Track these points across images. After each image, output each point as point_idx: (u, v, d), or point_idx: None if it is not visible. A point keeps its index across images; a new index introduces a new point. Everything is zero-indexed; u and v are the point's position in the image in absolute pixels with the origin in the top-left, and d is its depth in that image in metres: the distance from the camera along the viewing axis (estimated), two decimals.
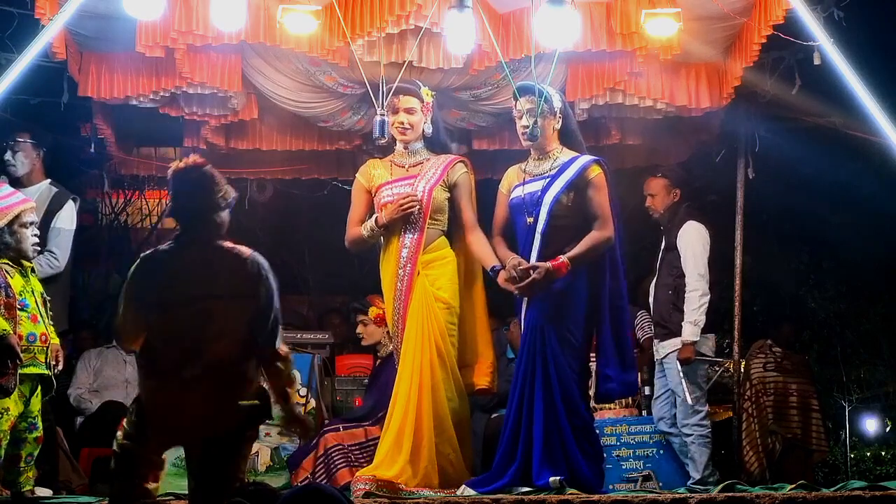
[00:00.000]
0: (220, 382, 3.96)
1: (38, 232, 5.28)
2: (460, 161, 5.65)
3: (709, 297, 6.13)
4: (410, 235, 5.44)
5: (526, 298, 5.33)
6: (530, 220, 5.34)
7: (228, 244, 4.10)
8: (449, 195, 5.53)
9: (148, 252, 4.16)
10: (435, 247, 5.47)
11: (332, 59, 5.91)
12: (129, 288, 4.07)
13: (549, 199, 5.32)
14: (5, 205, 5.24)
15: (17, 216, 5.18)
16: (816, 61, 5.75)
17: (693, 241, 6.18)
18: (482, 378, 5.58)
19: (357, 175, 5.71)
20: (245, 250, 4.08)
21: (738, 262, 6.52)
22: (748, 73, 6.16)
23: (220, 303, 3.97)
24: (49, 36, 5.44)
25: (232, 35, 5.71)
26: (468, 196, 5.58)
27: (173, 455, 5.84)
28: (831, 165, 7.70)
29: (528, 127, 5.36)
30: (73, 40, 5.96)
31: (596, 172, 5.35)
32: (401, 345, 5.41)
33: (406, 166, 5.58)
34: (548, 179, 5.37)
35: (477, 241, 5.51)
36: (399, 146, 5.61)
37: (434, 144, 5.64)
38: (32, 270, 5.25)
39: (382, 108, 5.41)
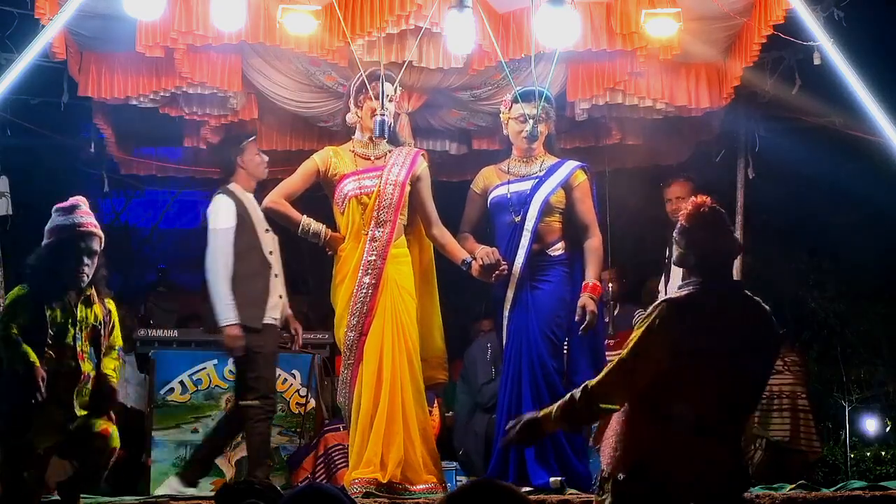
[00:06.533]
0: (728, 439, 3.79)
1: (87, 262, 4.64)
2: (422, 154, 5.63)
3: None
4: (381, 230, 5.34)
5: (510, 301, 5.42)
6: (517, 218, 5.47)
7: (748, 293, 3.88)
8: (410, 189, 5.48)
9: (673, 298, 3.85)
10: (399, 243, 5.41)
11: (332, 59, 5.91)
12: (656, 335, 3.73)
13: (539, 198, 5.47)
14: (49, 226, 4.71)
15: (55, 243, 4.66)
16: (816, 61, 5.76)
17: None
18: (440, 372, 5.59)
19: (314, 156, 5.56)
20: (762, 304, 3.86)
21: (738, 262, 6.51)
22: (748, 73, 6.16)
23: (744, 356, 3.77)
24: (49, 36, 5.44)
25: (232, 35, 5.71)
26: (429, 190, 5.56)
27: (173, 456, 5.87)
28: (831, 165, 7.69)
29: (528, 130, 5.49)
30: (73, 40, 5.96)
31: (581, 179, 5.55)
32: (364, 336, 5.27)
33: (372, 158, 5.49)
34: (536, 180, 5.52)
35: (444, 235, 5.53)
36: (363, 136, 5.52)
37: (392, 137, 5.57)
38: (86, 300, 4.68)
39: (383, 107, 5.39)
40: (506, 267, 5.37)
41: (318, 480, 5.76)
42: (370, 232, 5.34)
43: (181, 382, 5.96)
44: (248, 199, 5.73)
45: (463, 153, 6.99)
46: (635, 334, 3.76)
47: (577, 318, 5.36)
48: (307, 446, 6.04)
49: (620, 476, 3.69)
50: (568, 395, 3.79)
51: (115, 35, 5.86)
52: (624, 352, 3.76)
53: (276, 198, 5.46)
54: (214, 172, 7.41)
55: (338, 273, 5.41)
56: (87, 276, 4.67)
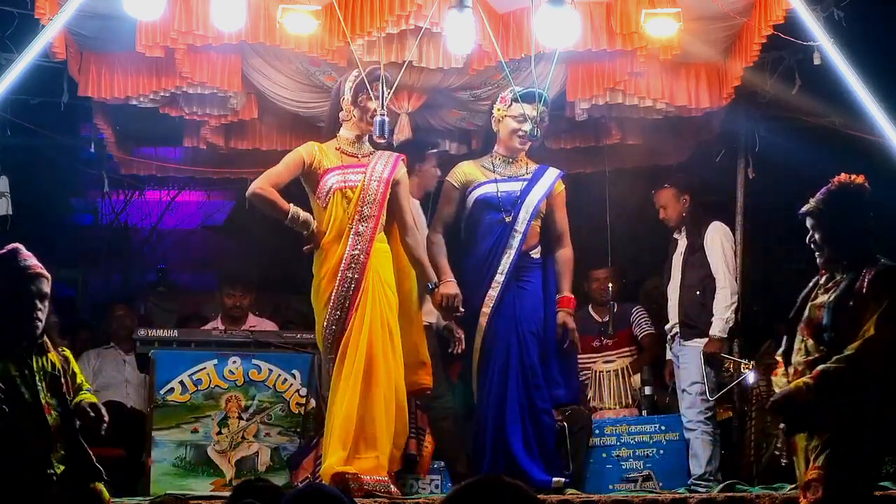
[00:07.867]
0: None
1: (40, 307, 4.33)
2: (402, 159, 5.64)
3: (738, 295, 6.28)
4: (365, 224, 5.35)
5: (493, 300, 5.53)
6: (508, 217, 5.55)
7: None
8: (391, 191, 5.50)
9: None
10: (382, 238, 5.43)
11: (331, 59, 5.91)
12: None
13: (532, 201, 5.61)
14: None
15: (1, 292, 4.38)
16: (816, 61, 5.77)
17: (723, 240, 6.36)
18: (425, 377, 5.58)
19: (300, 148, 5.56)
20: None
21: (738, 262, 6.52)
22: (748, 73, 6.17)
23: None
24: (49, 36, 5.45)
25: (232, 35, 5.72)
26: (407, 196, 5.60)
27: (173, 456, 5.86)
28: (831, 165, 7.64)
29: (526, 131, 5.58)
30: (73, 40, 5.96)
31: (561, 189, 5.75)
32: (345, 331, 5.27)
33: (358, 156, 5.50)
34: (524, 182, 5.64)
35: (417, 246, 5.54)
36: (350, 134, 5.52)
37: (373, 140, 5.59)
38: (40, 349, 4.39)
39: (383, 107, 5.40)
40: (462, 313, 5.45)
41: (317, 481, 5.75)
42: (354, 226, 5.35)
43: (181, 382, 5.94)
44: (415, 206, 5.85)
45: (463, 153, 6.99)
46: (884, 307, 3.79)
47: (558, 335, 5.52)
48: (307, 446, 6.03)
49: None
50: (817, 369, 3.77)
51: (115, 35, 5.86)
52: (881, 324, 3.76)
53: (264, 184, 5.43)
54: (214, 172, 7.43)
55: (320, 268, 5.42)
56: (41, 322, 4.39)
